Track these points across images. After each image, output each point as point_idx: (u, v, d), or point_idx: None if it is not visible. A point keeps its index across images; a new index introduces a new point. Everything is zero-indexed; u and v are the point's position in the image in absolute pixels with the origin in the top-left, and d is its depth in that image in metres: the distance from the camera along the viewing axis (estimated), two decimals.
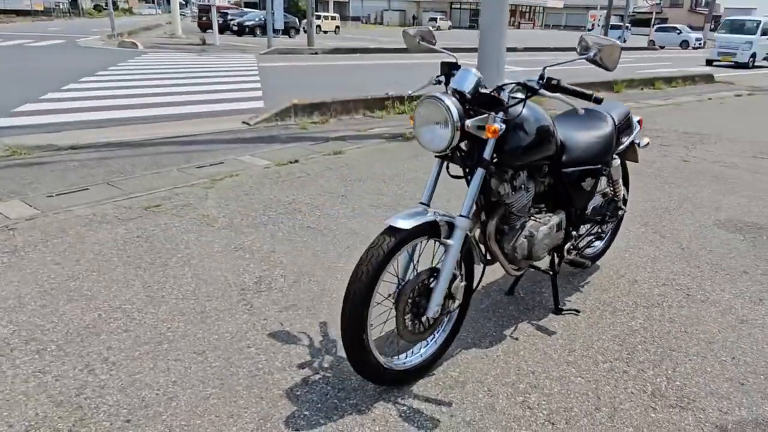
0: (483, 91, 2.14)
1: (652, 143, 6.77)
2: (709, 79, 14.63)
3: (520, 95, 2.16)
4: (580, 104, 2.15)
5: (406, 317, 2.12)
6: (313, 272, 3.16)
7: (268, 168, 5.27)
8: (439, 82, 2.36)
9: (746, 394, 2.22)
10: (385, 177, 5.03)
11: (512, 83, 2.19)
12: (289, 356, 2.40)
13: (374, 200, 4.39)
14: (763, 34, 21.03)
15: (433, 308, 2.13)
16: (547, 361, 2.41)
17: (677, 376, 2.32)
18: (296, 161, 5.59)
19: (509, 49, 7.14)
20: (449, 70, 2.29)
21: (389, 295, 2.13)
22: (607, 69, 2.08)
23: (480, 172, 2.14)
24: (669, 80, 13.42)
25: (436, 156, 2.27)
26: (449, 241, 2.12)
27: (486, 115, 2.08)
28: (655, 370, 2.36)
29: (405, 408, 2.10)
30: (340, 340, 2.30)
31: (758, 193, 4.85)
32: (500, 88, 2.17)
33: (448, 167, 2.32)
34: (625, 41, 30.53)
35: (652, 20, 40.91)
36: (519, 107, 2.17)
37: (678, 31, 34.58)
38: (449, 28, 55.13)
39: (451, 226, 2.13)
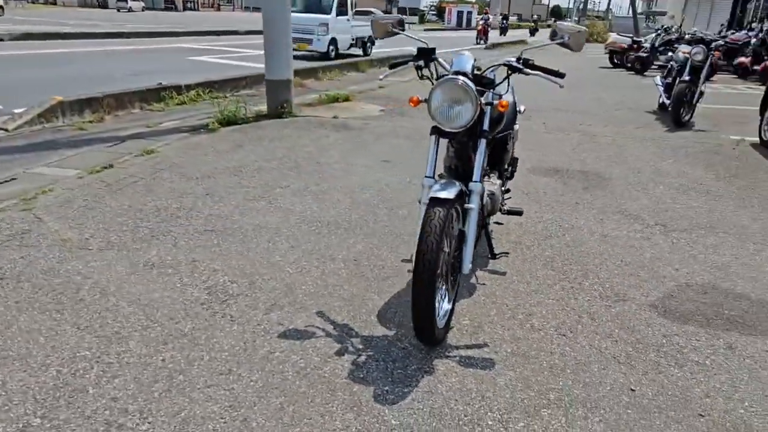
0: (476, 72, 2.45)
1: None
2: None
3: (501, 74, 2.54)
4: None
5: (449, 277, 2.36)
6: (259, 271, 3.06)
7: (83, 177, 4.56)
8: (420, 67, 2.59)
9: (647, 281, 3.08)
10: (230, 170, 4.86)
11: (497, 64, 2.55)
12: (319, 349, 2.39)
13: (246, 193, 4.27)
14: (341, 14, 16.21)
15: (467, 265, 2.41)
16: (519, 294, 2.91)
17: (604, 282, 3.06)
18: (111, 166, 4.94)
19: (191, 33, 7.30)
20: (428, 55, 2.55)
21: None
22: (573, 50, 2.59)
23: (483, 142, 2.47)
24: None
25: (432, 134, 2.52)
26: (472, 205, 2.42)
27: (485, 92, 2.41)
28: (588, 281, 3.07)
29: (458, 358, 2.36)
30: (351, 323, 2.43)
31: (544, 147, 6.18)
32: (486, 69, 2.52)
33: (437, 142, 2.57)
34: None
35: (354, 4, 44.82)
36: (505, 84, 2.55)
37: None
38: (143, 10, 50.92)
39: (468, 193, 2.43)
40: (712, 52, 7.45)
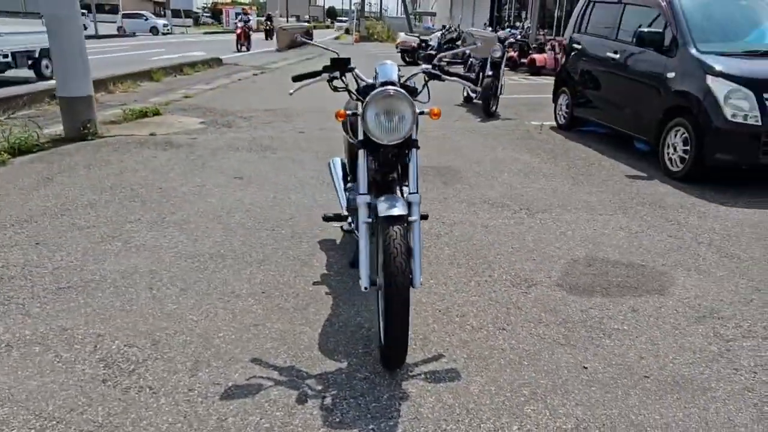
0: (401, 82, 2.37)
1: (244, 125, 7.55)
2: (219, 62, 16.29)
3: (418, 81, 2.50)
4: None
5: None
6: (157, 326, 2.61)
7: None
8: (334, 78, 2.43)
9: (541, 263, 3.34)
10: (52, 209, 4.09)
11: (415, 72, 2.49)
12: (276, 401, 2.12)
13: (90, 235, 3.62)
14: None
15: (419, 279, 2.34)
16: (444, 297, 2.93)
17: (509, 270, 3.24)
18: None
19: None
20: (344, 66, 2.42)
21: None
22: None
23: (416, 152, 2.40)
24: (193, 65, 14.33)
25: (359, 149, 2.39)
26: (414, 217, 2.34)
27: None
28: (495, 272, 3.22)
29: (423, 375, 2.28)
30: (295, 364, 2.26)
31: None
32: (407, 78, 2.45)
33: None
34: (86, 28, 29.07)
35: (119, 6, 40.67)
36: (426, 91, 2.50)
37: (145, 18, 35.76)
38: None
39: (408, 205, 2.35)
40: (507, 48, 8.40)
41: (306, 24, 2.83)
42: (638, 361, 2.39)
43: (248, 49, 22.04)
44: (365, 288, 2.32)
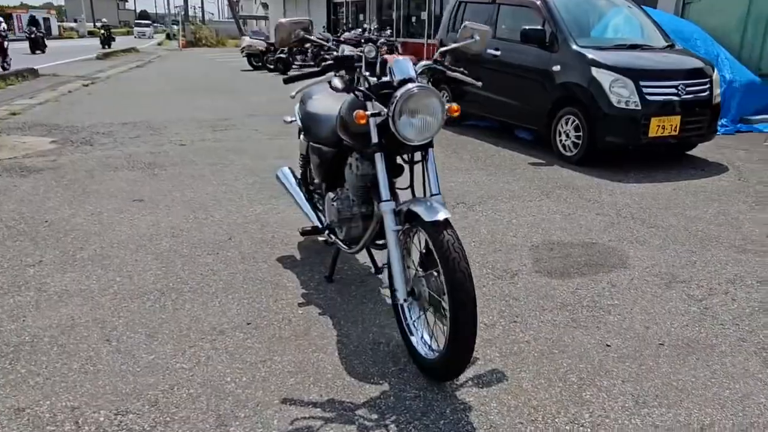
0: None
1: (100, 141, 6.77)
2: (34, 73, 14.22)
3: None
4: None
5: None
6: (144, 388, 2.19)
7: None
8: (343, 78, 2.23)
9: (510, 252, 3.42)
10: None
11: (422, 66, 2.36)
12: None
13: (19, 250, 2.94)
14: None
15: None
16: None
17: (485, 263, 3.27)
18: None
19: None
20: (350, 64, 2.24)
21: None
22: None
23: (432, 152, 2.29)
24: (3, 78, 12.35)
25: (375, 152, 2.22)
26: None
27: None
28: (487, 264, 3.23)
29: (470, 382, 2.20)
30: (333, 396, 2.11)
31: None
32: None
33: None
34: None
35: None
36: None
37: None
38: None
39: None
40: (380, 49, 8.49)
41: (306, 18, 2.55)
42: (646, 331, 2.56)
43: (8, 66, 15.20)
44: (404, 300, 2.17)
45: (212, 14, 63.14)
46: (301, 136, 3.18)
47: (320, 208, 3.14)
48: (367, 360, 2.34)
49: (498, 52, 6.33)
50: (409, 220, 2.13)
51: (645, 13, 6.28)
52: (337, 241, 2.83)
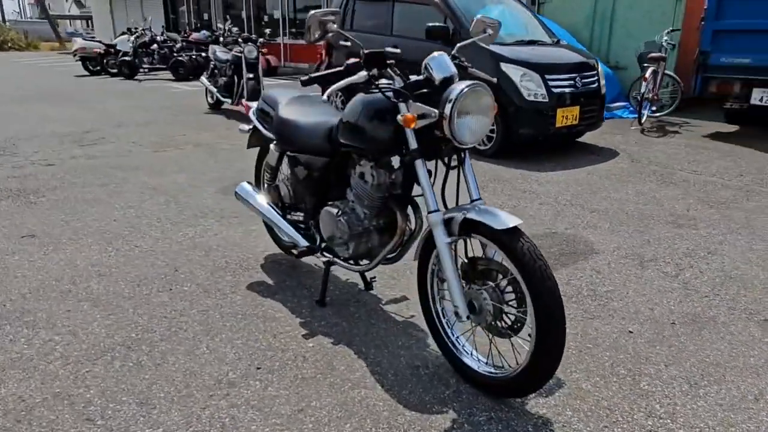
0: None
1: None
2: None
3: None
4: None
5: None
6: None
7: None
8: (373, 76, 1.99)
9: None
10: None
11: None
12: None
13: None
14: None
15: None
16: None
17: None
18: None
19: None
20: (382, 61, 2.01)
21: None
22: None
23: (468, 155, 2.13)
24: None
25: (417, 158, 2.02)
26: None
27: None
28: None
29: None
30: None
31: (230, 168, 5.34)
32: None
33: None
34: None
35: None
36: None
37: None
38: None
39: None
40: (261, 49, 8.02)
41: (336, 8, 2.20)
42: (653, 312, 2.67)
43: None
44: (467, 318, 1.99)
45: (17, 12, 55.17)
46: (272, 147, 2.82)
47: (300, 225, 2.81)
48: (415, 388, 2.13)
49: (398, 50, 6.27)
50: (466, 229, 1.95)
51: (530, 11, 6.68)
52: (336, 260, 2.55)
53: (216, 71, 8.54)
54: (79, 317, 2.61)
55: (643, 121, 7.07)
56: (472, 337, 2.19)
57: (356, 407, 2.01)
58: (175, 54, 13.86)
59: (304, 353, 2.34)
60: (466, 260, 2.07)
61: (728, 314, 2.65)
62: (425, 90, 2.01)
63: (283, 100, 2.77)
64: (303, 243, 2.67)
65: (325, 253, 2.60)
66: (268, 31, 10.47)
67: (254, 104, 3.10)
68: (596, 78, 5.71)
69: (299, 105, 2.74)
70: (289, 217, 2.86)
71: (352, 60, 2.11)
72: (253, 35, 7.96)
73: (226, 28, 10.45)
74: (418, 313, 2.62)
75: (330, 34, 2.11)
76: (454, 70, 1.99)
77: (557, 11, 9.48)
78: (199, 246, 3.45)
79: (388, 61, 2.10)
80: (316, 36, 2.08)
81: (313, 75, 2.13)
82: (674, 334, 2.48)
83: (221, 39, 9.77)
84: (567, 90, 5.40)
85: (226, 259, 3.26)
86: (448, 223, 1.99)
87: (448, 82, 1.97)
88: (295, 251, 2.71)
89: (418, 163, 2.04)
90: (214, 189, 4.63)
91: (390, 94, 2.04)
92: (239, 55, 7.84)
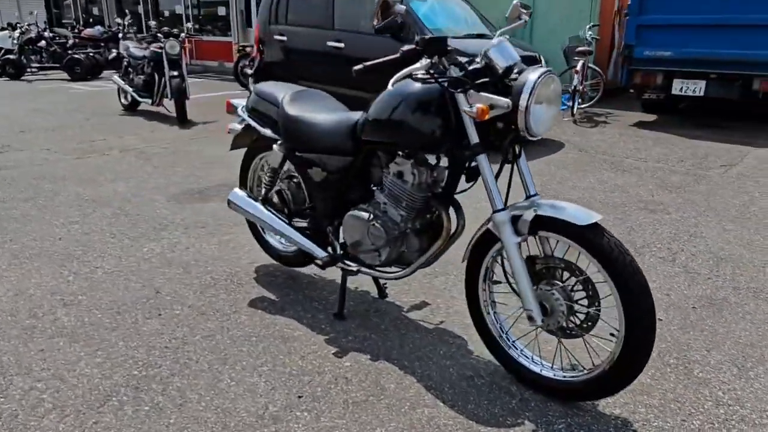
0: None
1: None
2: None
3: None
4: None
5: None
6: None
7: None
8: (435, 64, 1.82)
9: None
10: None
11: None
12: None
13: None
14: None
15: None
16: None
17: None
18: None
19: None
20: (442, 47, 1.84)
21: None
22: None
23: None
24: None
25: (479, 153, 1.87)
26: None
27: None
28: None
29: None
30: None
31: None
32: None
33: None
34: None
35: None
36: None
37: None
38: None
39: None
40: (184, 44, 7.43)
41: None
42: (670, 297, 2.70)
43: None
44: (541, 322, 1.87)
45: None
46: (275, 148, 2.53)
47: (306, 233, 2.55)
48: (478, 400, 1.98)
49: (341, 44, 6.07)
50: (539, 227, 1.83)
51: (468, 3, 6.71)
52: (362, 269, 2.34)
53: (130, 69, 7.82)
54: (58, 357, 2.20)
55: (575, 112, 7.36)
56: (533, 341, 2.08)
57: (426, 429, 1.83)
58: (69, 52, 12.61)
59: (345, 374, 2.11)
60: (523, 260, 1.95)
61: (736, 294, 2.74)
62: (486, 79, 1.85)
63: (284, 96, 2.50)
64: (321, 253, 2.42)
65: (347, 262, 2.37)
66: (189, 25, 9.79)
67: (239, 101, 2.79)
68: None
69: (307, 101, 2.48)
70: (293, 224, 2.59)
71: (407, 47, 1.90)
72: (175, 30, 7.36)
73: (126, 23, 9.66)
74: (446, 319, 2.50)
75: (398, 18, 1.89)
76: (517, 56, 1.85)
77: (479, 6, 9.66)
78: (173, 262, 3.07)
79: (448, 47, 1.91)
80: (382, 20, 1.86)
81: (368, 64, 1.91)
82: (700, 318, 2.52)
83: (120, 35, 9.00)
84: None
85: (212, 275, 2.92)
86: (515, 221, 1.86)
87: (509, 70, 1.83)
88: (281, 258, 2.47)
89: (483, 158, 1.89)
90: (164, 198, 4.19)
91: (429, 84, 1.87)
92: (159, 51, 7.23)
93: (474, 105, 1.81)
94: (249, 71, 9.59)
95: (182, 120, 7.16)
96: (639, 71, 6.91)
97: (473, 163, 2.04)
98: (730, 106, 7.75)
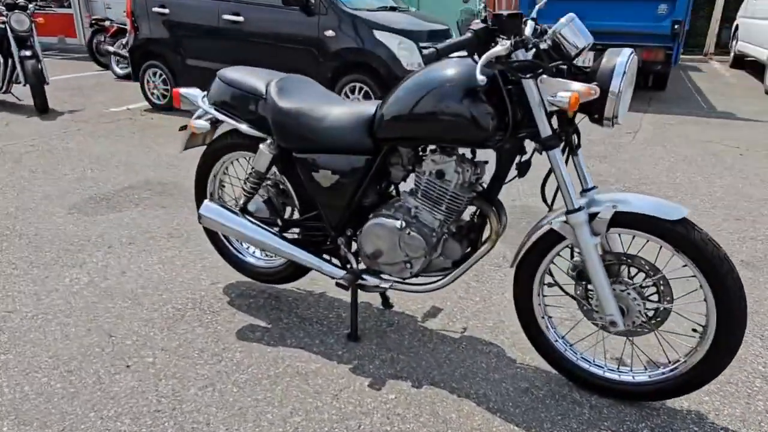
0: None
1: None
2: None
3: None
4: None
5: None
6: None
7: None
8: (517, 45, 1.55)
9: None
10: None
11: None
12: None
13: None
14: None
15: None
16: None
17: None
18: None
19: None
20: (519, 24, 1.58)
21: None
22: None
23: None
24: None
25: (554, 146, 1.65)
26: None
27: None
28: None
29: None
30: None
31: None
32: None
33: None
34: None
35: None
36: None
37: None
38: None
39: None
40: (34, 18, 6.18)
41: None
42: None
43: None
44: (624, 326, 1.73)
45: None
46: (262, 148, 2.08)
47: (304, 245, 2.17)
48: (551, 416, 1.81)
49: (240, 18, 5.45)
50: (615, 224, 1.67)
51: None
52: (399, 284, 2.03)
53: None
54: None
55: None
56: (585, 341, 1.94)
57: None
58: None
59: (394, 410, 1.82)
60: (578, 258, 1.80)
61: (759, 259, 2.81)
62: (561, 62, 1.62)
63: (269, 85, 2.06)
64: (337, 271, 2.06)
65: (368, 278, 2.04)
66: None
67: (192, 92, 2.28)
68: None
69: (297, 90, 2.06)
70: (286, 237, 2.18)
71: (477, 24, 1.59)
72: (21, 1, 6.08)
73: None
74: (467, 324, 2.29)
75: None
76: (591, 37, 1.63)
77: None
78: (113, 293, 2.49)
79: (531, 22, 1.64)
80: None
81: (441, 47, 1.57)
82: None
83: None
84: None
85: (173, 305, 2.41)
86: (590, 220, 1.68)
87: (580, 52, 1.62)
88: (259, 275, 2.13)
89: (557, 152, 1.67)
90: (63, 209, 3.44)
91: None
92: (2, 26, 5.98)
93: (558, 93, 1.57)
94: (110, 48, 8.42)
95: (42, 109, 6.04)
96: None
97: (524, 157, 1.81)
98: None
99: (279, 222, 2.19)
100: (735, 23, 10.48)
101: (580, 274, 1.84)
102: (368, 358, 2.07)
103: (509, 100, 1.66)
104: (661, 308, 1.76)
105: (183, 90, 2.31)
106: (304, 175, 2.03)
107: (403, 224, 1.89)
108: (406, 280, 2.01)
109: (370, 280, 2.03)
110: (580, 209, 1.67)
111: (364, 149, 1.92)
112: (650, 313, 1.78)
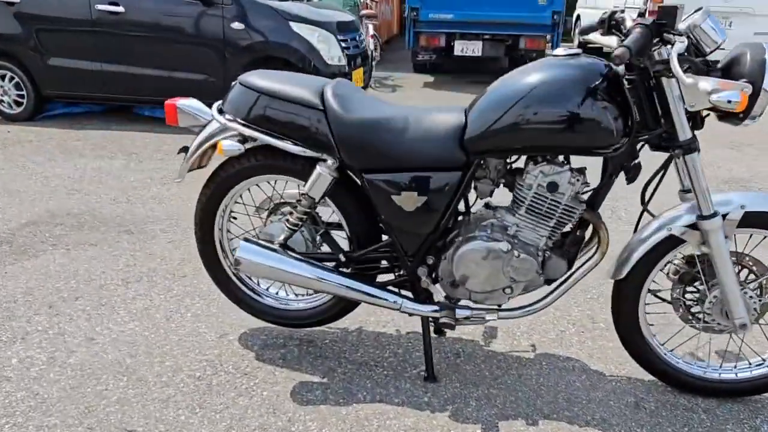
0: None
1: None
2: None
3: None
4: None
5: None
6: None
7: None
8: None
9: None
10: None
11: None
12: None
13: None
14: None
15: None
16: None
17: None
18: None
19: None
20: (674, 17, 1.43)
21: None
22: None
23: None
24: None
25: (688, 151, 1.55)
26: None
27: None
28: None
29: None
30: None
31: None
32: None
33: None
34: None
35: None
36: None
37: None
38: None
39: None
40: None
41: None
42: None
43: None
44: (750, 327, 1.70)
45: None
46: (320, 170, 1.68)
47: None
48: (676, 428, 1.73)
49: (120, 9, 4.63)
50: (747, 225, 1.61)
51: None
52: (496, 311, 1.79)
53: None
54: None
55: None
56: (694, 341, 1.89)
57: None
58: None
59: None
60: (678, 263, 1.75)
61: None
62: (705, 58, 1.49)
63: (324, 93, 1.69)
64: (427, 307, 1.76)
65: (461, 310, 1.78)
66: None
67: (191, 104, 1.80)
68: (363, 37, 5.49)
69: (357, 98, 1.71)
70: (342, 272, 1.82)
71: (646, 18, 1.38)
72: None
73: None
74: (532, 340, 2.13)
75: None
76: (725, 33, 1.53)
77: None
78: (96, 369, 1.92)
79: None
80: None
81: (628, 44, 1.32)
82: None
83: None
84: (352, 51, 5.02)
85: (186, 373, 1.91)
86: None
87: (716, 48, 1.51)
88: (285, 319, 1.87)
89: (696, 156, 1.55)
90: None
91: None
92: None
93: (722, 91, 1.44)
94: None
95: None
96: (424, 33, 7.12)
97: (634, 161, 1.68)
98: (481, 65, 8.68)
99: (341, 257, 1.81)
100: (576, 13, 11.57)
101: (682, 278, 1.78)
102: (461, 399, 1.82)
103: (639, 100, 1.52)
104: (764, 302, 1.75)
105: (180, 102, 1.81)
106: (379, 199, 1.69)
107: (509, 246, 1.66)
108: (502, 307, 1.79)
109: (469, 313, 1.76)
110: (715, 214, 1.58)
111: (453, 164, 1.64)
112: (759, 309, 1.77)
